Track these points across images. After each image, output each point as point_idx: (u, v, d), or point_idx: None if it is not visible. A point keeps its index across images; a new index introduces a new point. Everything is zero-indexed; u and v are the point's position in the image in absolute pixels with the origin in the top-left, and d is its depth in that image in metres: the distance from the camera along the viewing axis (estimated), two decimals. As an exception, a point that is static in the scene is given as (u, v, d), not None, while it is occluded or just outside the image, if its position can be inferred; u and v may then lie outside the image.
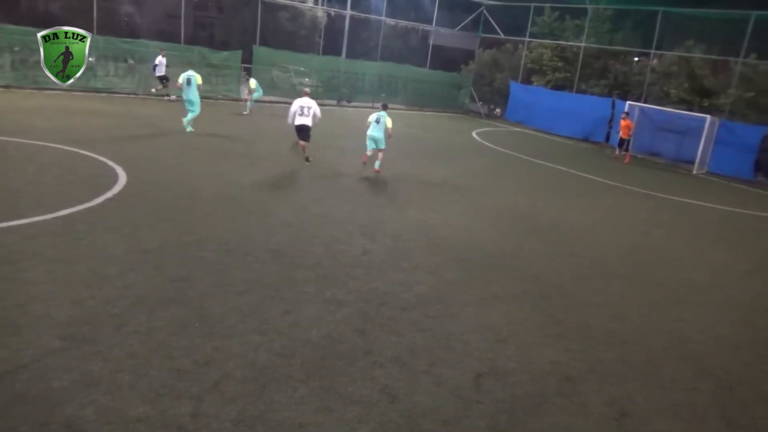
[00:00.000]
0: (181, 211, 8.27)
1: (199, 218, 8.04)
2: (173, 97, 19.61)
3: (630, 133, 20.04)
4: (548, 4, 27.13)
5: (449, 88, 29.93)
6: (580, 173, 16.17)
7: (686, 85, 22.25)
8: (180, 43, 22.39)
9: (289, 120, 12.17)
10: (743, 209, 14.46)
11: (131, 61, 20.70)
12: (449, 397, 4.57)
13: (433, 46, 30.74)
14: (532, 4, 27.32)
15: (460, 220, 9.77)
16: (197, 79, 14.33)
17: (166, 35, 26.72)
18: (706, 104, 21.48)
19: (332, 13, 29.18)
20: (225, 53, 23.32)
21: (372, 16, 28.92)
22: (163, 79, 19.40)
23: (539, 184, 14.10)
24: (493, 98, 29.92)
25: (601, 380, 5.16)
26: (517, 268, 7.80)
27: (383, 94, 27.56)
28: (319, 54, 27.55)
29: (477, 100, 29.90)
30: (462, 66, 30.83)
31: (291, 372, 4.59)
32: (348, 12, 27.37)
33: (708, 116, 19.54)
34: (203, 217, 8.10)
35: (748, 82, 20.76)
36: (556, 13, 27.01)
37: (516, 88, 27.76)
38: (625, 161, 19.94)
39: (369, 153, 12.24)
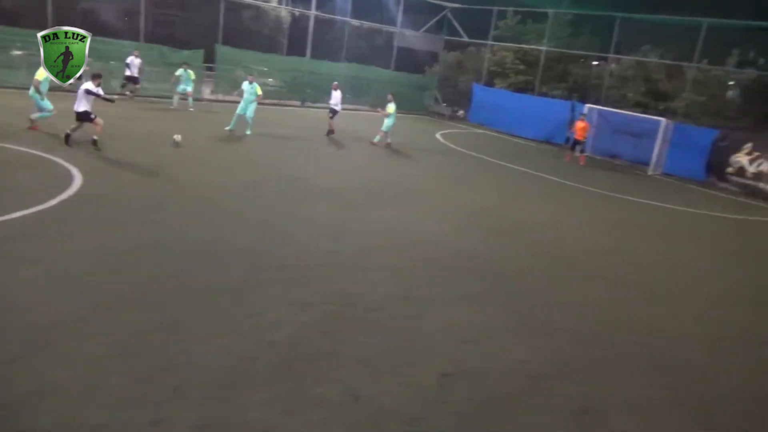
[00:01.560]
0: (144, 212, 8.07)
1: (163, 219, 7.87)
2: (130, 94, 18.97)
3: (586, 135, 20.29)
4: (510, 8, 27.54)
5: (414, 90, 30.06)
6: (542, 174, 16.46)
7: (643, 88, 22.93)
8: (139, 41, 21.85)
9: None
10: (696, 209, 14.97)
11: (89, 59, 20.06)
12: (415, 397, 4.58)
13: (397, 47, 30.82)
14: (495, 8, 27.70)
15: (426, 220, 9.82)
16: (257, 89, 15.63)
17: (124, 33, 26.03)
18: (661, 107, 22.18)
19: (296, 13, 28.97)
20: (186, 52, 22.85)
21: (337, 17, 28.82)
22: (132, 80, 18.82)
23: (503, 185, 14.30)
24: (457, 100, 30.20)
25: (565, 378, 5.26)
26: (483, 268, 7.89)
27: (348, 95, 27.50)
28: (283, 54, 27.32)
29: (441, 102, 30.13)
30: (426, 68, 31.02)
31: (255, 375, 4.53)
32: (312, 12, 27.21)
33: (663, 119, 20.16)
34: (167, 219, 7.93)
35: (700, 86, 21.54)
36: (518, 17, 27.44)
37: (479, 90, 28.09)
38: (581, 163, 20.18)
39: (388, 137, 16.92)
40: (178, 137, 11.34)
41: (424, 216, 10.08)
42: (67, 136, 11.27)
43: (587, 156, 20.59)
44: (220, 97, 22.11)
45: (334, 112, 17.65)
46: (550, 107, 24.73)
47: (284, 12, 29.29)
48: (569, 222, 11.45)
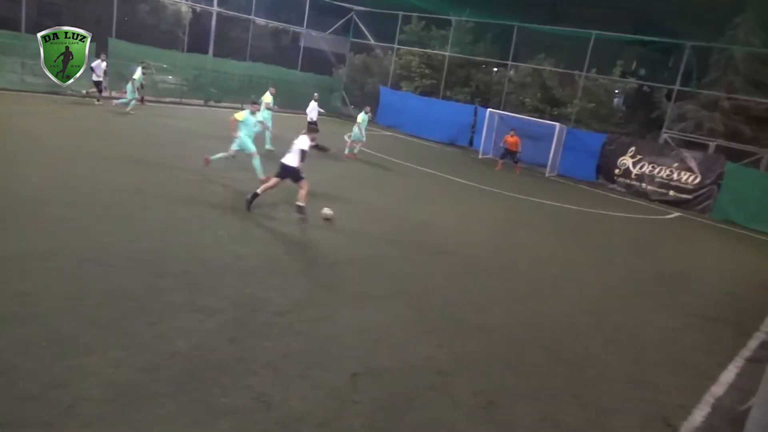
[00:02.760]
0: (22, 216, 7.41)
1: (46, 225, 7.27)
2: (98, 102, 18.50)
3: (517, 148, 20.77)
4: (415, 14, 28.19)
5: (321, 91, 29.89)
6: (447, 176, 16.95)
7: (539, 94, 24.28)
8: (20, 31, 20.10)
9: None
10: (587, 208, 16.04)
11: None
12: (325, 399, 4.55)
13: (304, 48, 30.59)
14: (400, 13, 28.23)
15: (333, 222, 9.79)
16: (265, 98, 16.05)
17: (2, 21, 23.83)
18: (555, 113, 23.60)
19: (198, 9, 27.90)
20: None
21: (241, 15, 28.11)
22: (98, 85, 18.36)
23: (410, 186, 14.56)
24: (364, 102, 30.42)
25: (469, 372, 5.43)
26: (390, 268, 7.99)
27: (253, 96, 26.88)
28: (183, 51, 26.24)
29: (348, 104, 30.25)
30: (334, 69, 31.03)
31: (157, 388, 4.30)
32: (215, 9, 26.34)
33: (557, 124, 21.46)
34: (51, 224, 7.33)
35: (590, 93, 23.16)
36: (423, 23, 28.16)
37: (386, 93, 28.50)
38: (516, 172, 20.79)
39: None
40: (328, 213, 9.78)
41: (331, 218, 10.04)
42: (255, 196, 9.37)
43: (503, 163, 21.38)
44: (114, 93, 20.86)
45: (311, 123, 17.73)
46: (454, 111, 25.57)
47: (184, 7, 28.04)
48: (471, 221, 11.87)
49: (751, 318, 8.77)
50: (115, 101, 18.38)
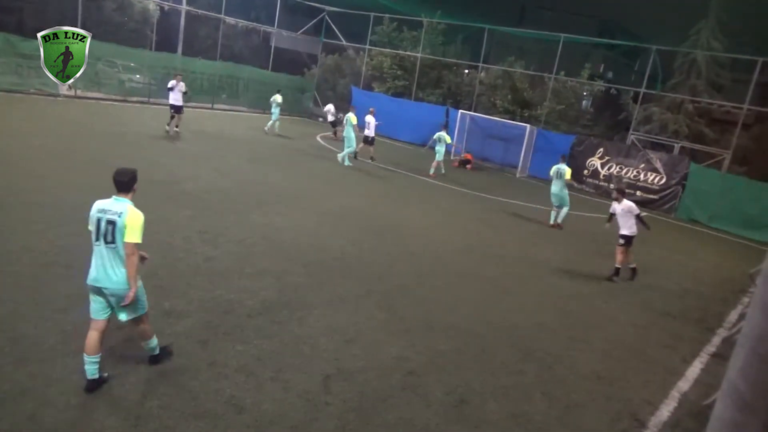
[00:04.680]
0: (-14, 220, 7.19)
1: (8, 227, 7.06)
2: (176, 129, 16.34)
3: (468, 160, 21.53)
4: (387, 15, 28.23)
5: (293, 92, 29.78)
6: (418, 176, 17.01)
7: (509, 96, 24.56)
8: (-21, 27, 19.47)
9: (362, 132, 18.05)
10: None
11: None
12: (298, 401, 4.52)
13: (275, 48, 30.37)
14: (372, 14, 28.25)
15: (305, 223, 9.74)
16: (351, 119, 16.89)
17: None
18: (526, 114, 23.91)
19: (166, 8, 27.43)
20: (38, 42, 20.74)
21: (210, 14, 27.76)
22: (172, 109, 16.20)
23: (381, 187, 14.57)
24: (336, 103, 30.35)
25: (441, 371, 5.46)
26: (362, 269, 7.98)
27: (224, 95, 26.63)
28: (151, 50, 25.78)
29: (321, 104, 30.12)
30: (305, 70, 30.87)
31: (124, 393, 4.21)
32: (183, 7, 25.95)
33: (528, 125, 21.73)
34: (13, 226, 7.12)
35: (559, 95, 23.53)
36: (395, 24, 28.22)
37: (358, 93, 28.46)
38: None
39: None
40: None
41: (302, 219, 10.00)
42: (617, 271, 9.89)
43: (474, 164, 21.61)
44: (79, 93, 20.40)
45: (368, 138, 18.50)
46: (426, 112, 25.67)
47: (152, 5, 27.53)
48: (442, 222, 11.93)
49: (714, 315, 9.02)
50: (266, 128, 20.36)
